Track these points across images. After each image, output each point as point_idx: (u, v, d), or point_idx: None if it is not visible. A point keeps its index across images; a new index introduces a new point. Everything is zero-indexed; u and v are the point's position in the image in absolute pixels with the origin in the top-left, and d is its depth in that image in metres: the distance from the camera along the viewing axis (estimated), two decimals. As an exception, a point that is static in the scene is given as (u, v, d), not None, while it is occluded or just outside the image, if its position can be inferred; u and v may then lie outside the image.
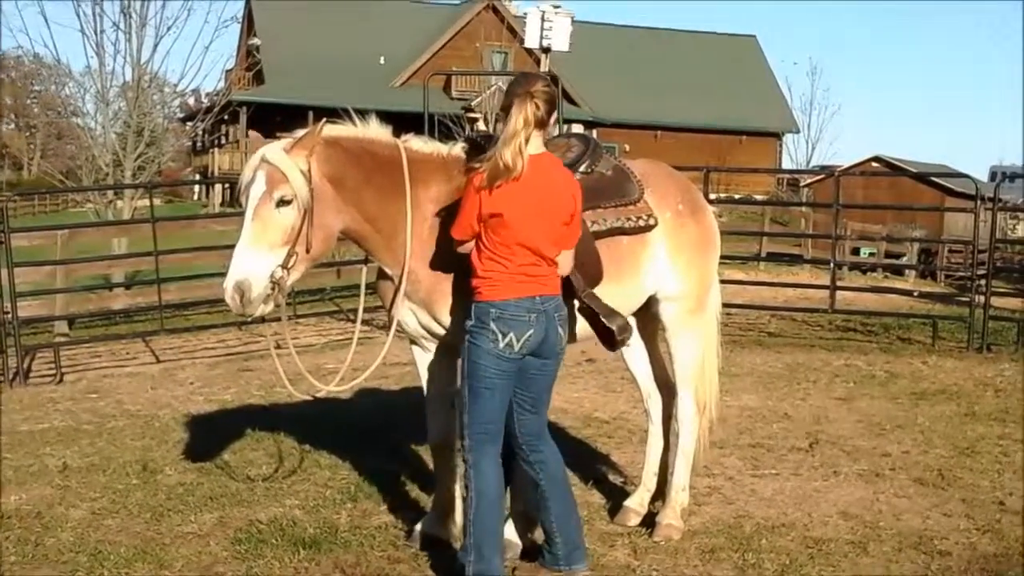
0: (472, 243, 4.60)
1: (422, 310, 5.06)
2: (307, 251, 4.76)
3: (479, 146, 5.00)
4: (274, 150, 4.72)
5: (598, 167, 5.32)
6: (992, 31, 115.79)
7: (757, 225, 27.73)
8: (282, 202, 4.66)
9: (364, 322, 14.92)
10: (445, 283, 4.96)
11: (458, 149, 5.14)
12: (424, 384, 5.35)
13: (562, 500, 4.82)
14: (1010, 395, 9.35)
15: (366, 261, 5.33)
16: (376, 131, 5.00)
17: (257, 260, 4.65)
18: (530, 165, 4.46)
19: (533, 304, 4.56)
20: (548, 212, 4.55)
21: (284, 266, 4.69)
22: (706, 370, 5.91)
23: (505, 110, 4.56)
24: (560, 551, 4.79)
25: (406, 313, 5.08)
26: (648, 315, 5.71)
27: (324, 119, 4.90)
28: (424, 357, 5.30)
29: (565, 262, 4.71)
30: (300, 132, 4.90)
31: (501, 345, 4.53)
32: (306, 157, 4.73)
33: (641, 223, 5.31)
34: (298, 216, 4.70)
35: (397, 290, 5.00)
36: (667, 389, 5.90)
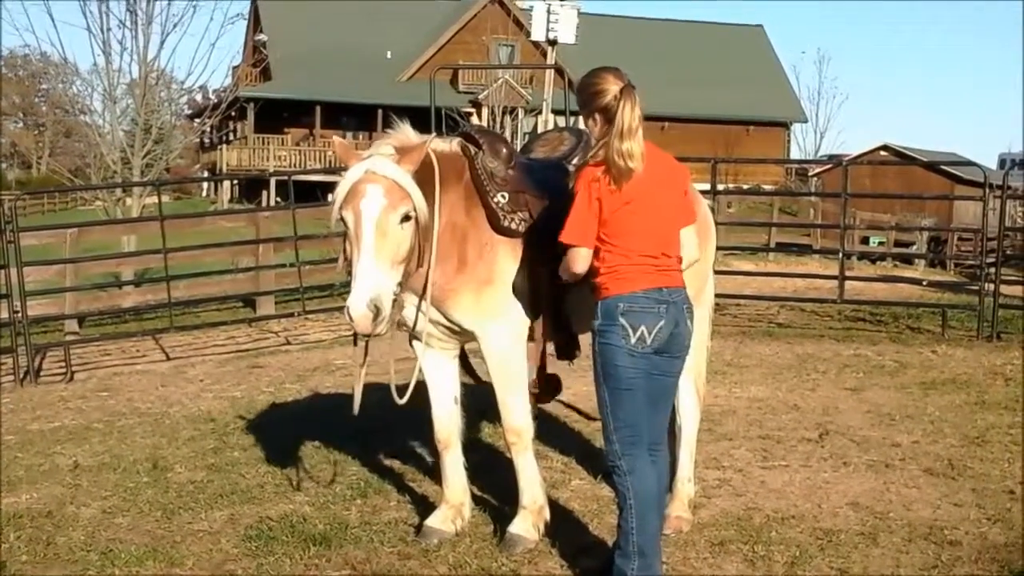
0: (584, 252, 4.44)
1: (432, 307, 5.06)
2: (416, 268, 4.74)
3: (473, 140, 5.10)
4: (387, 164, 4.59)
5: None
6: (999, 17, 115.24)
7: (766, 215, 27.70)
8: (405, 218, 4.58)
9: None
10: (455, 281, 4.99)
11: (455, 144, 5.17)
12: (427, 381, 5.36)
13: (653, 519, 4.52)
14: (1020, 384, 9.28)
15: None
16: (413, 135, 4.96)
17: (383, 276, 4.50)
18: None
19: (661, 295, 4.41)
20: (670, 192, 4.53)
21: (399, 284, 4.62)
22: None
23: (600, 110, 4.50)
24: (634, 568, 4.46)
25: (409, 310, 5.06)
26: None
27: (433, 135, 4.85)
28: (429, 356, 5.31)
29: (689, 241, 4.64)
30: (391, 142, 4.79)
31: (633, 340, 4.35)
32: (412, 171, 4.65)
33: None
34: (415, 233, 4.65)
35: (424, 291, 4.95)
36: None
